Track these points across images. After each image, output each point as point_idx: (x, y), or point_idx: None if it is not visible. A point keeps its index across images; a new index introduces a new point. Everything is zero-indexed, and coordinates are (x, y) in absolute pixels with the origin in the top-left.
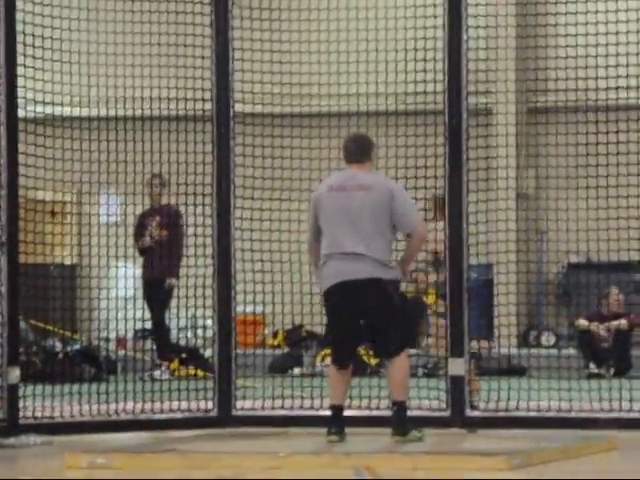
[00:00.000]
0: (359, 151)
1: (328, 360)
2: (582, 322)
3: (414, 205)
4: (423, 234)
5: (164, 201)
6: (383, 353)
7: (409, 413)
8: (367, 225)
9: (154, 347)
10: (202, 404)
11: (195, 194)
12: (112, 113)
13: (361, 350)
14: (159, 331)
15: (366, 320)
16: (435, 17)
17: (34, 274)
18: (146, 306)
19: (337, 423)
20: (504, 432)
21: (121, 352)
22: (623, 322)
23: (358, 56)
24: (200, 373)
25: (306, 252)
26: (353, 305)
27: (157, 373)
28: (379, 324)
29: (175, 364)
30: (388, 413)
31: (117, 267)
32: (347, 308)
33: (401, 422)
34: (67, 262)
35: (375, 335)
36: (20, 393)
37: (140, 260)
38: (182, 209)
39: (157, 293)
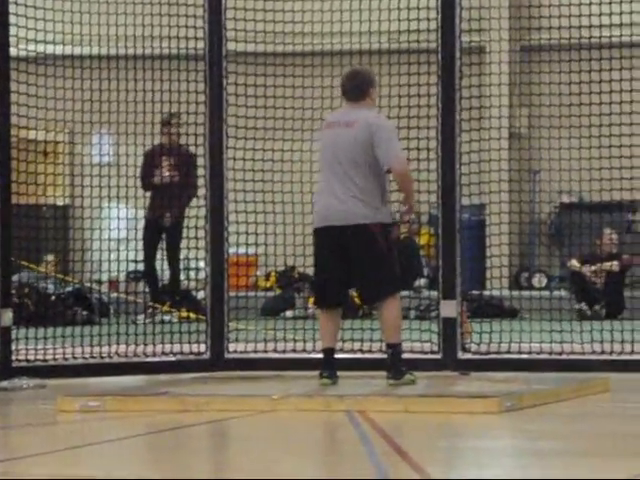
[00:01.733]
0: (355, 89)
1: None
2: (574, 263)
3: (392, 140)
4: (399, 169)
5: (178, 141)
6: (367, 298)
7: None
8: (351, 163)
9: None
10: (195, 347)
11: (187, 134)
12: (104, 52)
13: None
14: (173, 273)
15: (351, 265)
16: None
17: (26, 215)
18: (143, 245)
19: (329, 366)
20: (496, 375)
21: (113, 294)
22: (615, 264)
23: None
24: (193, 315)
25: (299, 192)
26: (338, 250)
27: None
28: (363, 269)
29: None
30: (381, 356)
31: (110, 208)
32: (332, 252)
33: (394, 365)
34: (59, 203)
35: (360, 280)
36: (13, 336)
37: (135, 200)
38: None
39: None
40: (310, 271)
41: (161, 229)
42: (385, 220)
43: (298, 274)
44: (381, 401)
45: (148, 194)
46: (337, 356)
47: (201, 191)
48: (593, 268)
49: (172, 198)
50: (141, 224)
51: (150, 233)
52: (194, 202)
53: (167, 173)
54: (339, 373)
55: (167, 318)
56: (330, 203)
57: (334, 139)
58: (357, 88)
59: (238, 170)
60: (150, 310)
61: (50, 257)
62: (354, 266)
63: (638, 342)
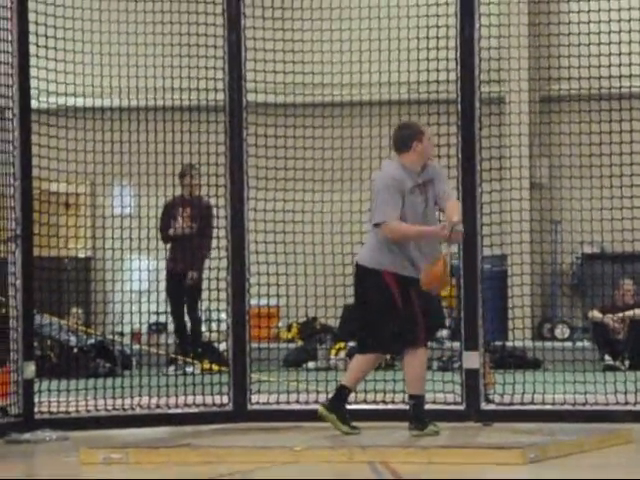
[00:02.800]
0: (397, 140)
1: (342, 353)
2: (596, 314)
3: (384, 201)
4: (385, 233)
5: (196, 192)
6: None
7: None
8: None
9: (169, 341)
10: (217, 398)
11: (208, 185)
12: (125, 104)
13: None
14: (193, 324)
15: None
16: (447, 4)
17: (48, 267)
18: (167, 299)
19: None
20: (519, 425)
21: (136, 346)
22: (638, 312)
23: (370, 45)
24: (215, 367)
25: (319, 244)
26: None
27: (172, 369)
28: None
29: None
30: (403, 407)
31: (131, 259)
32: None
33: (417, 416)
34: (81, 255)
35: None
36: (35, 388)
37: (156, 252)
38: None
39: (185, 285)
40: (332, 322)
41: (183, 281)
42: (381, 267)
43: (320, 325)
44: (404, 452)
45: (168, 246)
46: (359, 407)
47: (222, 242)
48: (616, 317)
49: (191, 249)
50: (162, 275)
51: (173, 286)
52: (215, 253)
53: (184, 224)
54: (361, 424)
55: (189, 370)
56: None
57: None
58: (400, 138)
59: (259, 221)
60: (181, 362)
61: (74, 309)
62: None
63: None
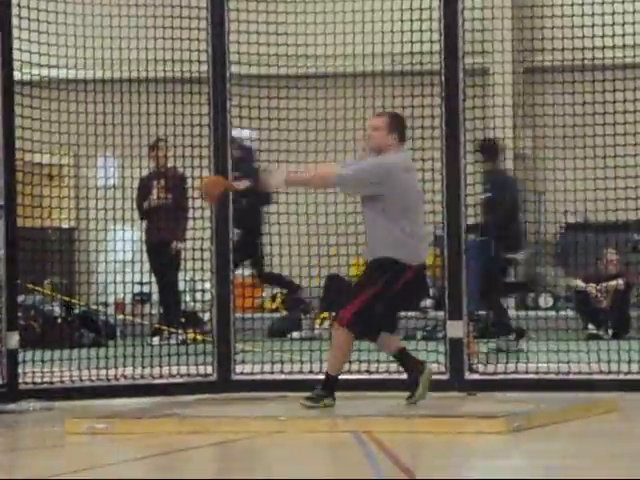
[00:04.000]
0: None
1: (326, 323)
2: (579, 283)
3: (360, 169)
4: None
5: (169, 164)
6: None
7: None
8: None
9: (153, 312)
10: (201, 368)
11: (192, 156)
12: (108, 75)
13: None
14: (168, 294)
15: None
16: None
17: (32, 238)
18: (150, 270)
19: None
20: (503, 395)
21: (120, 317)
22: (620, 282)
23: (354, 16)
24: (199, 337)
25: (303, 214)
26: None
27: (155, 339)
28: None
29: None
30: (387, 376)
31: (115, 230)
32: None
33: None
34: (65, 225)
35: None
36: (19, 358)
37: (140, 223)
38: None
39: (163, 257)
40: (315, 292)
41: (163, 252)
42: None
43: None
44: (387, 422)
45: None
46: (343, 377)
47: (207, 212)
48: (598, 287)
49: (167, 220)
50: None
51: (153, 258)
52: (199, 223)
53: (155, 198)
54: (345, 394)
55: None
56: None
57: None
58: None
59: None
60: (165, 333)
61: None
62: None
63: None
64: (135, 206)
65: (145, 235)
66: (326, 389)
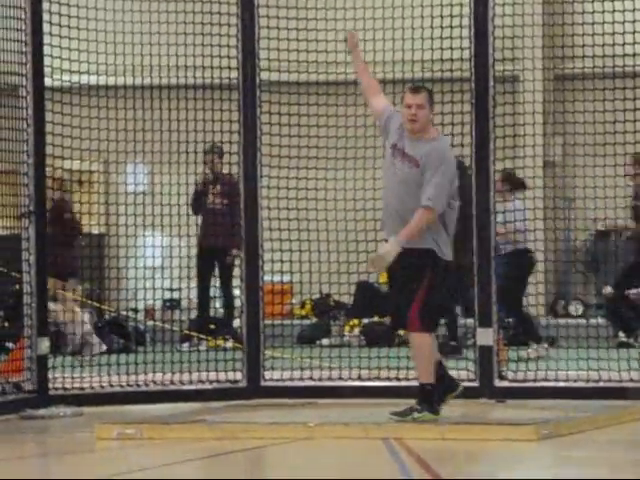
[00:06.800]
0: None
1: (356, 330)
2: (609, 290)
3: (439, 184)
4: (426, 216)
5: (224, 170)
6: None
7: None
8: None
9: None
10: (231, 375)
11: (222, 163)
12: (138, 82)
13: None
14: (227, 300)
15: None
16: None
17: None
18: (197, 273)
19: None
20: (532, 402)
21: (149, 323)
22: None
23: (384, 23)
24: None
25: (333, 221)
26: None
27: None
28: None
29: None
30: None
31: (145, 236)
32: None
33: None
34: (95, 231)
35: None
36: (50, 364)
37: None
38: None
39: (219, 262)
40: (345, 298)
41: (214, 257)
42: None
43: (334, 302)
44: (418, 429)
45: (191, 222)
46: (373, 384)
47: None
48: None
49: (223, 225)
50: (175, 252)
51: (203, 262)
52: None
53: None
54: (376, 401)
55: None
56: None
57: None
58: None
59: (273, 198)
60: (195, 339)
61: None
62: None
63: None
64: (170, 210)
65: (198, 238)
66: (425, 402)
